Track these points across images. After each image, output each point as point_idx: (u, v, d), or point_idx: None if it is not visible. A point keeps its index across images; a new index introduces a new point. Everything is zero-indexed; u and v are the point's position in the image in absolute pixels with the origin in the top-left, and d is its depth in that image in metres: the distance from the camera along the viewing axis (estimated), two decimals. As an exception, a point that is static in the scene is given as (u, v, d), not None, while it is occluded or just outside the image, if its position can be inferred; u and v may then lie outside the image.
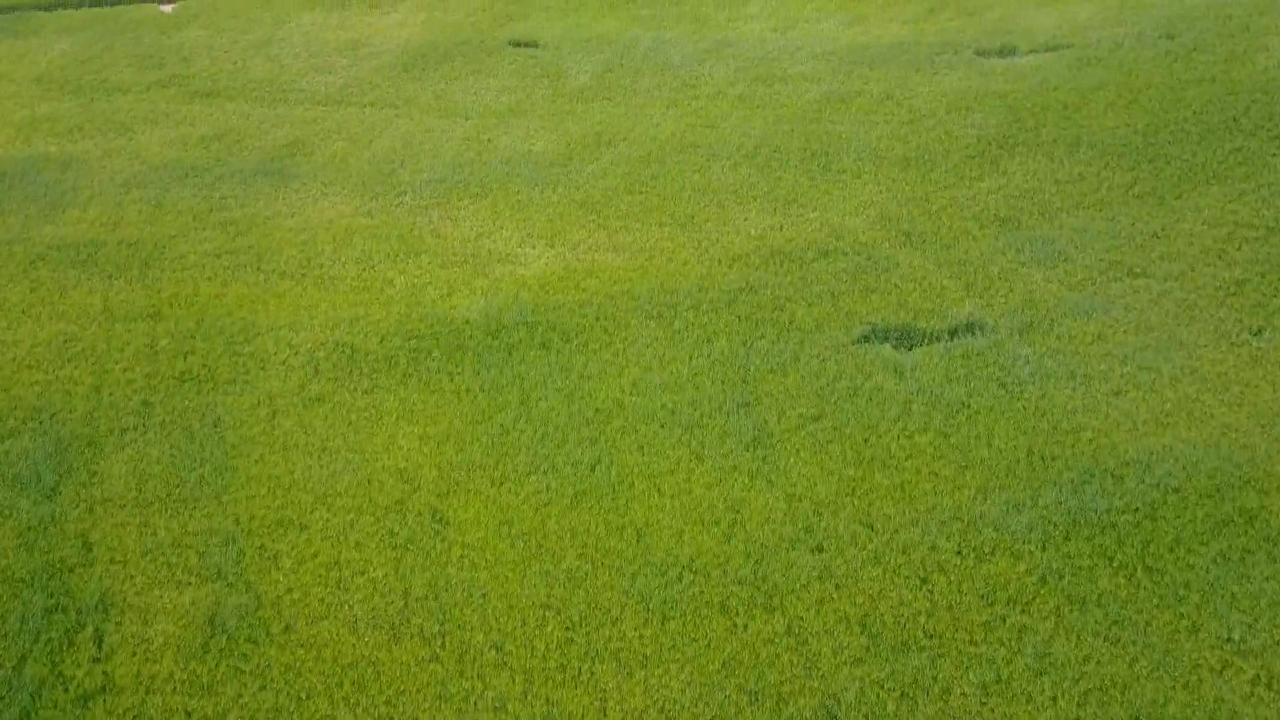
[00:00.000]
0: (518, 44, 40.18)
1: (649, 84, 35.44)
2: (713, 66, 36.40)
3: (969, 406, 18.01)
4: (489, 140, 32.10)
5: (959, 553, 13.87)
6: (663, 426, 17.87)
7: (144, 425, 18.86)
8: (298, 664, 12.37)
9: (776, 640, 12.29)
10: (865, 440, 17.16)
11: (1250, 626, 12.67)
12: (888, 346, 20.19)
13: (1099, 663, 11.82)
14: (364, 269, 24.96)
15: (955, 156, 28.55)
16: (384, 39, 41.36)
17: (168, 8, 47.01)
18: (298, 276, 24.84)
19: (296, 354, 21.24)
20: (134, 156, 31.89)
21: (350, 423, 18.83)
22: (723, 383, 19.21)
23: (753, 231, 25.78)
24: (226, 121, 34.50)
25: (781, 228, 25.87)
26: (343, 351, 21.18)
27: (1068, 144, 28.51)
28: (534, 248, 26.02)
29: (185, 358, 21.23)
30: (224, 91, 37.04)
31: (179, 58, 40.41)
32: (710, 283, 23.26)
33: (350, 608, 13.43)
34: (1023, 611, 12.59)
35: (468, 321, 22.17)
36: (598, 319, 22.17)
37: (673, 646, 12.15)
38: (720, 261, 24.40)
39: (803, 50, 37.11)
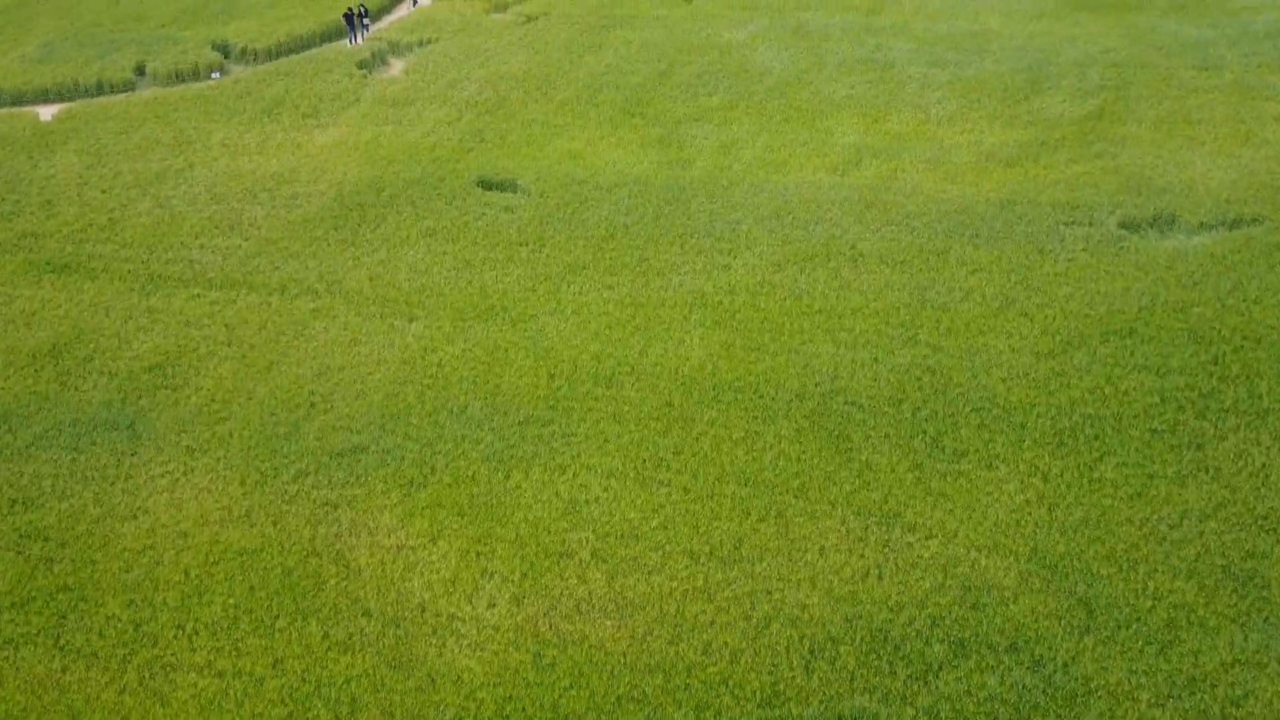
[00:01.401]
0: (488, 184, 31.36)
1: (668, 260, 26.60)
2: (752, 232, 27.58)
3: None
4: (439, 366, 23.22)
5: None
6: None
7: None
8: None
9: None
10: None
11: None
12: None
13: None
14: (225, 646, 16.09)
15: (1131, 433, 19.65)
16: (315, 170, 32.56)
17: (47, 114, 38.30)
18: (116, 680, 15.93)
19: None
20: (-73, 390, 23.08)
21: None
22: None
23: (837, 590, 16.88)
24: (78, 318, 25.66)
25: (870, 593, 16.96)
26: None
27: (1301, 410, 19.67)
28: (493, 603, 17.15)
29: None
30: (86, 263, 28.18)
31: (41, 200, 31.60)
32: None
33: None
34: None
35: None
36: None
37: None
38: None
39: (873, 206, 28.27)
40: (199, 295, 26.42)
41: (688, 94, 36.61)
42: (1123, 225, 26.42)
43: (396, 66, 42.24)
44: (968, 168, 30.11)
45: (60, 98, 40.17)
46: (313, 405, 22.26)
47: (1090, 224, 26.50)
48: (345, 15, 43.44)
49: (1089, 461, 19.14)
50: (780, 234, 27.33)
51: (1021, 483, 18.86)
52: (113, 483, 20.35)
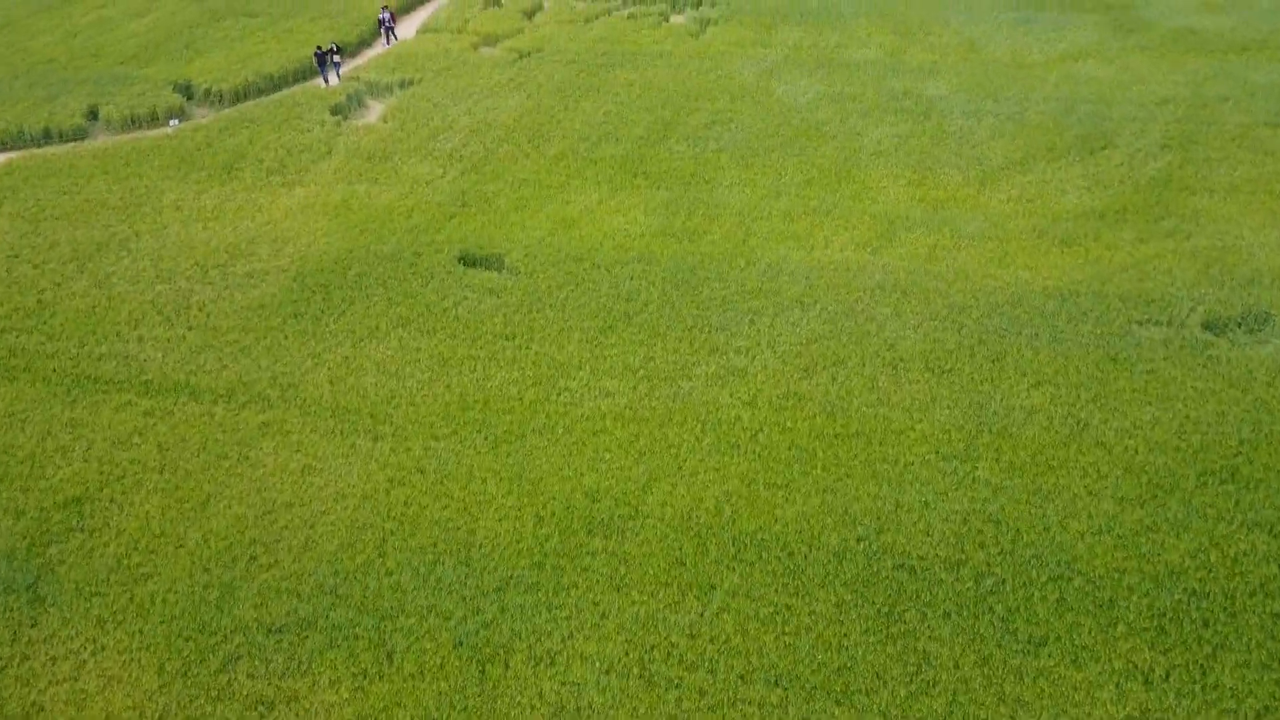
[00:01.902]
0: (471, 261, 27.97)
1: (675, 361, 23.19)
2: (774, 325, 24.17)
3: None
4: (405, 505, 19.78)
5: None
6: None
7: None
8: None
9: None
10: None
11: None
12: None
13: None
14: None
15: (1248, 619, 16.20)
16: (276, 241, 29.16)
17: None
18: None
19: None
20: None
21: None
22: None
23: None
24: (-13, 435, 22.26)
25: None
26: None
27: None
28: None
29: None
30: (6, 360, 24.77)
31: (-36, 276, 28.22)
32: None
33: None
34: None
35: None
36: None
37: None
38: None
39: (912, 294, 24.87)
40: (131, 403, 22.97)
41: (696, 147, 33.21)
42: (1207, 325, 22.98)
43: (374, 110, 38.89)
44: (1019, 245, 26.68)
45: (3, 147, 36.79)
46: (253, 558, 18.81)
47: (1168, 323, 23.06)
48: (317, 54, 40.11)
49: (1199, 659, 15.68)
50: (805, 328, 23.90)
51: (1118, 687, 15.40)
52: (3, 668, 16.91)
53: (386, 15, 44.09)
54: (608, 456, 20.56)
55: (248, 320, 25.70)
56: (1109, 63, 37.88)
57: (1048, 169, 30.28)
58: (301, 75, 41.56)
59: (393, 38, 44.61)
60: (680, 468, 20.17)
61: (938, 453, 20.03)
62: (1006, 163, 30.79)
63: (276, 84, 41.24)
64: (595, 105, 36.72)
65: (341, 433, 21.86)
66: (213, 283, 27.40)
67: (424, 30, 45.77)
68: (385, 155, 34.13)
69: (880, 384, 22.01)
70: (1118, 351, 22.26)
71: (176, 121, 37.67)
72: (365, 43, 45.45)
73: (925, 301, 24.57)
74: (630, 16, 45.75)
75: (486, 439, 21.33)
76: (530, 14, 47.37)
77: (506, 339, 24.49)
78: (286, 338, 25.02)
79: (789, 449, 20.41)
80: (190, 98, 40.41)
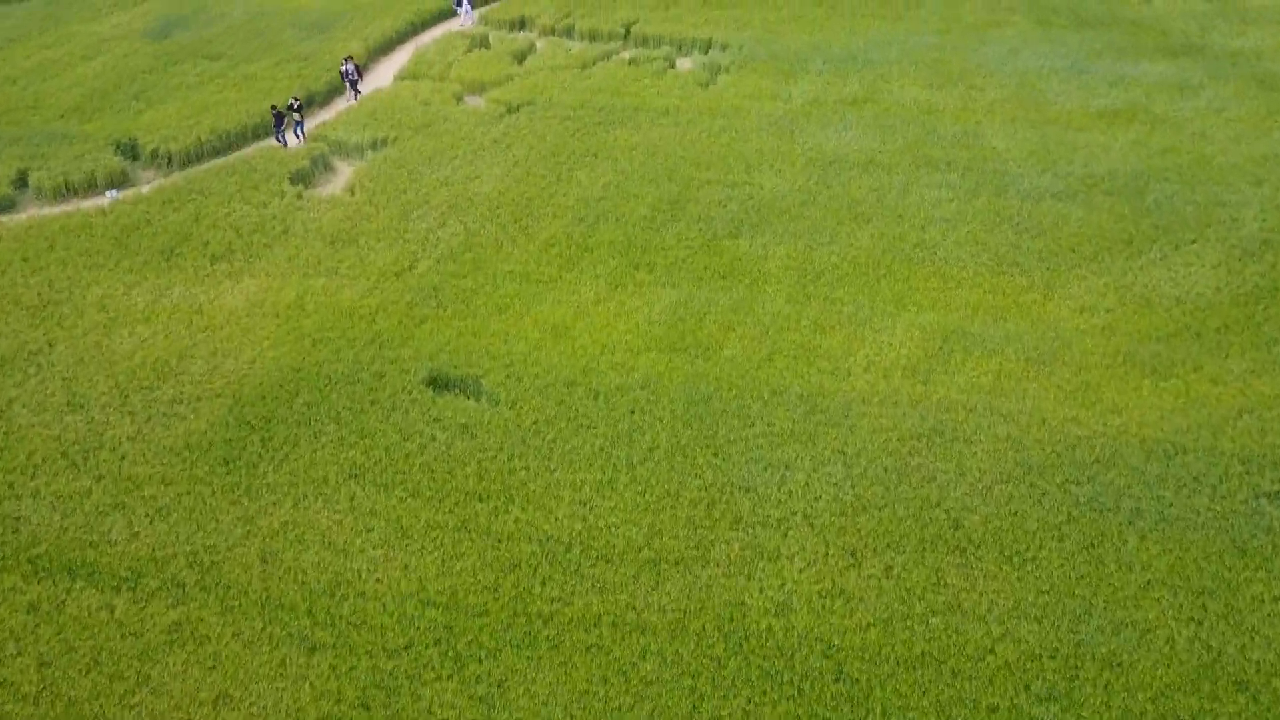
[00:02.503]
0: (442, 384, 23.76)
1: (688, 545, 18.96)
2: (810, 485, 19.93)
3: None
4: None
5: None
6: None
7: None
8: None
9: None
10: None
11: None
12: None
13: None
14: None
15: None
16: (213, 355, 24.93)
17: (-110, 252, 30.63)
18: None
19: None
20: None
21: None
22: None
23: None
24: None
25: None
26: None
27: None
28: None
29: None
30: None
31: None
32: None
33: None
34: None
35: None
36: None
37: None
38: None
39: (976, 443, 20.60)
40: (15, 591, 18.72)
41: (708, 232, 28.99)
42: (1261, 495, 18.75)
43: (342, 174, 34.73)
44: (1102, 375, 22.43)
45: (-86, 222, 32.57)
46: (139, 847, 14.53)
47: (1227, 490, 18.79)
48: (275, 113, 35.97)
49: None
50: (849, 491, 19.66)
51: None
52: None
53: (349, 66, 39.72)
54: (604, 691, 16.28)
55: (169, 468, 21.44)
56: (1184, 125, 33.65)
57: (1125, 267, 26.05)
58: (262, 131, 37.37)
59: (357, 91, 40.29)
60: (696, 710, 15.88)
61: (1028, 691, 15.75)
62: (1076, 258, 26.56)
63: (233, 142, 37.03)
64: (592, 175, 32.50)
65: (271, 640, 17.59)
66: (133, 412, 23.14)
67: (401, 76, 41.56)
68: (349, 237, 29.90)
69: (948, 579, 17.75)
70: (1245, 539, 17.99)
71: (115, 192, 33.45)
72: (337, 90, 41.26)
73: (994, 455, 20.31)
74: (631, 62, 41.57)
75: (451, 657, 17.06)
76: (521, 57, 43.19)
77: (480, 499, 20.23)
78: (214, 494, 20.76)
79: (835, 680, 16.13)
80: (136, 158, 36.24)
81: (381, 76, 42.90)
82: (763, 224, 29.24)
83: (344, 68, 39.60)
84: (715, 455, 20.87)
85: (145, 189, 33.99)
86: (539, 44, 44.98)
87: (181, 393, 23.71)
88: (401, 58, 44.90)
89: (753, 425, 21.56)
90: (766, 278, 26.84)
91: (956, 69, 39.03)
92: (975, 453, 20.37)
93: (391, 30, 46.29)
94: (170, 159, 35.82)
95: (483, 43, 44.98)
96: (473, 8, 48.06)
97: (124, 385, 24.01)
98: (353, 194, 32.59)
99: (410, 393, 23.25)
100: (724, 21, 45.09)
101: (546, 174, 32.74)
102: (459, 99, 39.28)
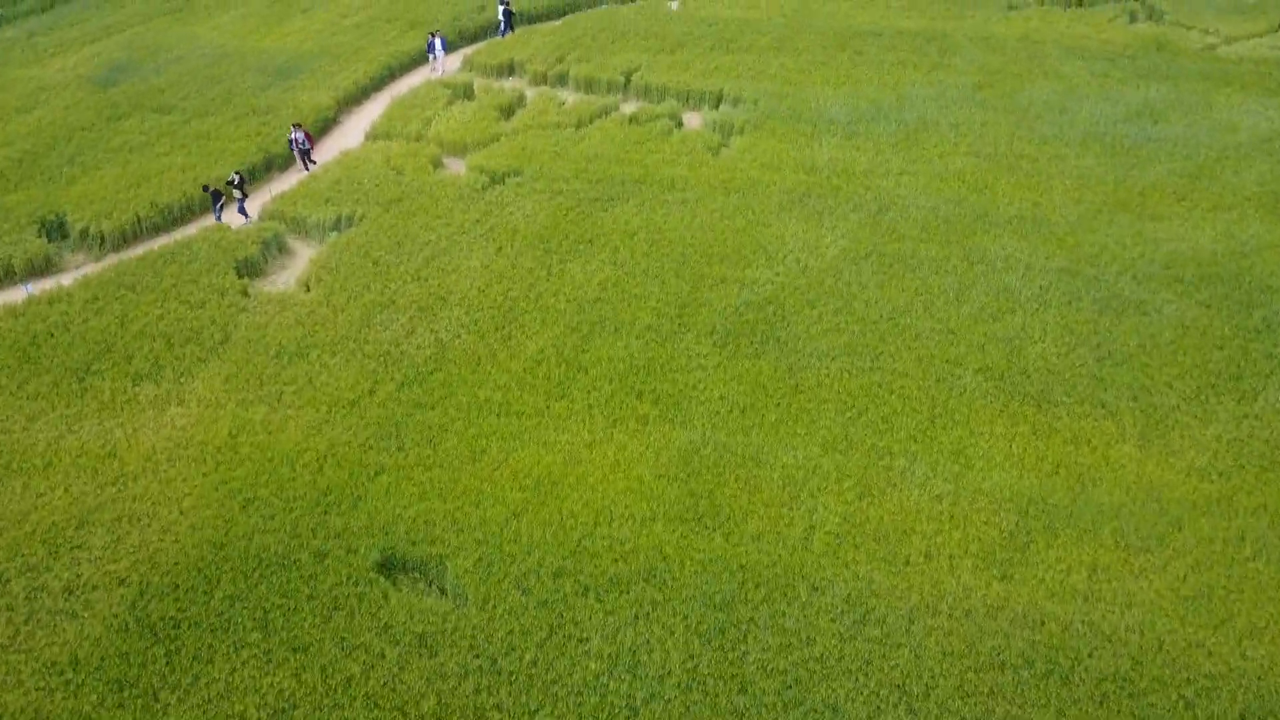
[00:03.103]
0: (396, 568, 19.36)
1: None
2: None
3: None
4: None
5: None
6: None
7: None
8: None
9: None
10: None
11: None
12: None
13: None
14: None
15: None
16: (121, 519, 20.58)
17: None
18: None
19: None
20: None
21: None
22: None
23: None
24: None
25: None
26: None
27: None
28: None
29: None
30: None
31: None
32: None
33: None
34: None
35: None
36: None
37: None
38: None
39: (1077, 683, 16.19)
40: None
41: (724, 349, 24.62)
42: None
43: (300, 258, 30.51)
44: (1222, 574, 18.10)
45: None
46: None
47: None
48: (210, 192, 31.74)
49: None
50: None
51: None
52: None
53: (298, 135, 35.09)
54: None
55: (43, 699, 16.99)
56: None
57: (1238, 412, 21.63)
58: (208, 205, 32.98)
59: (309, 162, 35.73)
60: None
61: None
62: (1174, 395, 22.18)
63: (176, 218, 32.74)
64: (587, 268, 28.12)
65: None
66: (11, 607, 18.72)
67: (373, 135, 37.16)
68: (300, 349, 25.50)
69: None
70: None
71: (31, 286, 29.07)
72: (305, 149, 36.87)
73: (1100, 701, 15.86)
74: (633, 120, 37.18)
75: None
76: (508, 111, 38.82)
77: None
78: (99, 739, 16.34)
79: None
80: (65, 236, 31.90)
81: (351, 133, 38.54)
82: (789, 338, 24.86)
83: (292, 136, 35.05)
84: (742, 692, 16.45)
85: (69, 280, 29.61)
86: (529, 94, 40.64)
87: (77, 577, 19.29)
88: (375, 109, 40.52)
89: (789, 646, 17.12)
90: (796, 414, 22.44)
91: (1005, 132, 34.65)
92: (1077, 697, 15.95)
93: (365, 77, 41.94)
94: (102, 239, 31.48)
95: (466, 93, 40.62)
96: (447, 52, 43.57)
97: (4, 567, 19.58)
98: (308, 290, 28.22)
99: (358, 583, 18.84)
100: (736, 69, 40.72)
101: (534, 266, 28.37)
102: (437, 164, 34.90)
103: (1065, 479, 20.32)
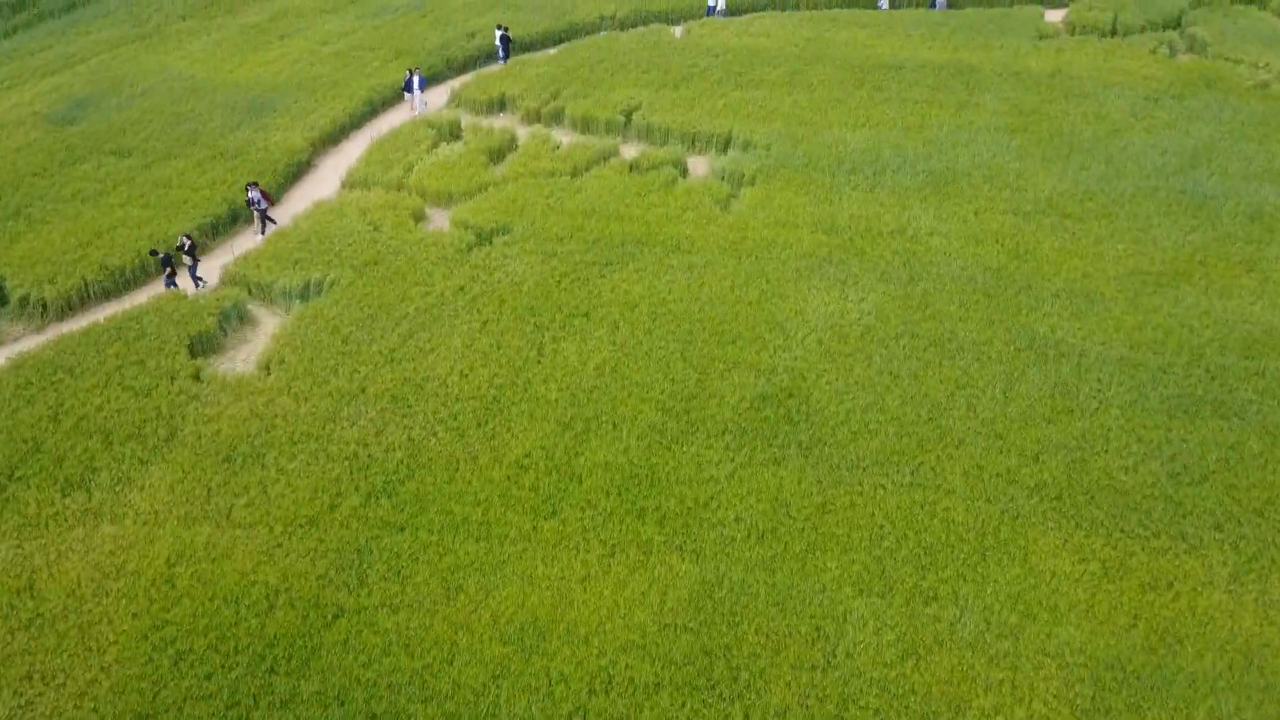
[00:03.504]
0: (355, 757, 16.33)
1: None
2: None
3: None
4: None
5: None
6: None
7: None
8: None
9: None
10: None
11: None
12: None
13: None
14: None
15: None
16: (26, 675, 17.61)
17: None
18: None
19: None
20: None
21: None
22: None
23: None
24: None
25: None
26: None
27: None
28: None
29: None
30: None
31: None
32: None
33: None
34: None
35: None
36: None
37: None
38: None
39: None
40: None
41: (739, 456, 21.59)
42: None
43: (262, 331, 27.60)
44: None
45: None
46: None
47: None
48: (160, 257, 28.82)
49: None
50: None
51: None
52: None
53: (255, 194, 31.81)
54: None
55: None
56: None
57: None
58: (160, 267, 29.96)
59: (267, 221, 32.54)
60: None
61: None
62: (1264, 525, 19.14)
63: (127, 281, 29.80)
64: (583, 349, 25.09)
65: None
66: (-111, 803, 15.68)
67: (349, 183, 34.11)
68: (254, 450, 22.45)
69: None
70: None
71: (-44, 367, 26.04)
72: (277, 197, 33.86)
73: None
74: (633, 167, 34.12)
75: None
76: (498, 156, 35.78)
77: None
78: None
79: None
80: (4, 303, 28.89)
81: (326, 179, 35.49)
82: (812, 442, 21.82)
83: (250, 196, 31.86)
84: None
85: (2, 357, 26.58)
86: (521, 134, 37.60)
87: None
88: (354, 150, 37.47)
89: None
90: (824, 543, 19.40)
91: (1045, 184, 31.60)
92: None
93: (344, 114, 38.91)
94: (44, 308, 28.48)
95: (453, 132, 37.60)
96: (423, 90, 40.45)
97: (-115, 746, 16.55)
98: (268, 372, 25.17)
99: (308, 774, 15.80)
100: (745, 107, 37.69)
101: (523, 345, 25.34)
102: (418, 217, 31.85)
103: (1145, 635, 17.27)
